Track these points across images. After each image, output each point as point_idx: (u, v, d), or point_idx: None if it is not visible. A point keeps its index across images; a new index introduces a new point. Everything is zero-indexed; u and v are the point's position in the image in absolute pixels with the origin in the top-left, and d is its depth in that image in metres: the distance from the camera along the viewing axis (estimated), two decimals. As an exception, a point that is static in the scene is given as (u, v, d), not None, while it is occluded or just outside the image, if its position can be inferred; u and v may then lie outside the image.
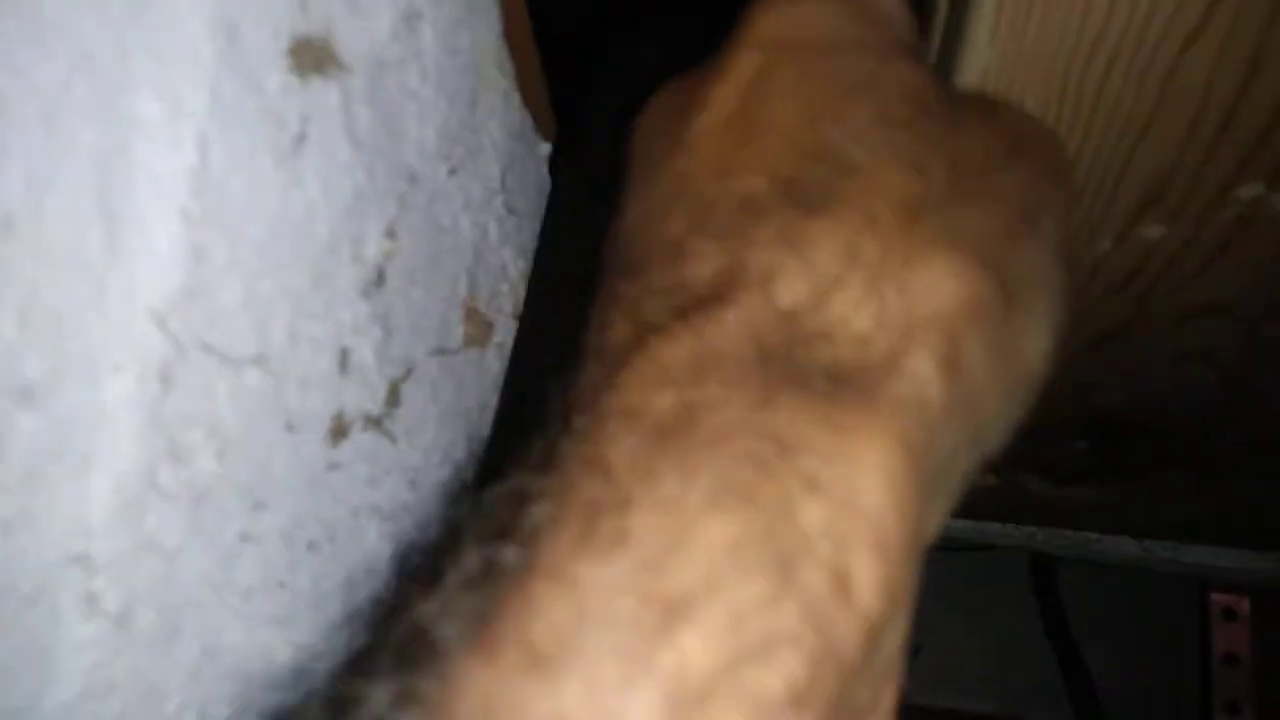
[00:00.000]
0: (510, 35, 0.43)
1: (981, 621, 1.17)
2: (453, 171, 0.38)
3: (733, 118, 0.30)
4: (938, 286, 0.25)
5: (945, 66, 0.44)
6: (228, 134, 0.23)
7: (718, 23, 0.57)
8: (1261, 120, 0.41)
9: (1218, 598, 0.83)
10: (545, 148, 0.50)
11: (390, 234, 0.33)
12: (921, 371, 0.24)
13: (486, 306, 0.44)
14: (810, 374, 0.23)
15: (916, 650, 1.34)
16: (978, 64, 0.41)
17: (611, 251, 0.29)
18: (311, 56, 0.28)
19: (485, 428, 0.46)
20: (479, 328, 0.44)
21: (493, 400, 0.46)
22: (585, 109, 0.53)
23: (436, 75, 0.36)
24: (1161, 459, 0.66)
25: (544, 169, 0.50)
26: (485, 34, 0.40)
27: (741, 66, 0.32)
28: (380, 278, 0.32)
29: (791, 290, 0.25)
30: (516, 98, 0.44)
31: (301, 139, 0.27)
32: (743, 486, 0.20)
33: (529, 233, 0.50)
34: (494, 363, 0.46)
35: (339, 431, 0.31)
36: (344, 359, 0.31)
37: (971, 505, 0.82)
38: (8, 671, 0.18)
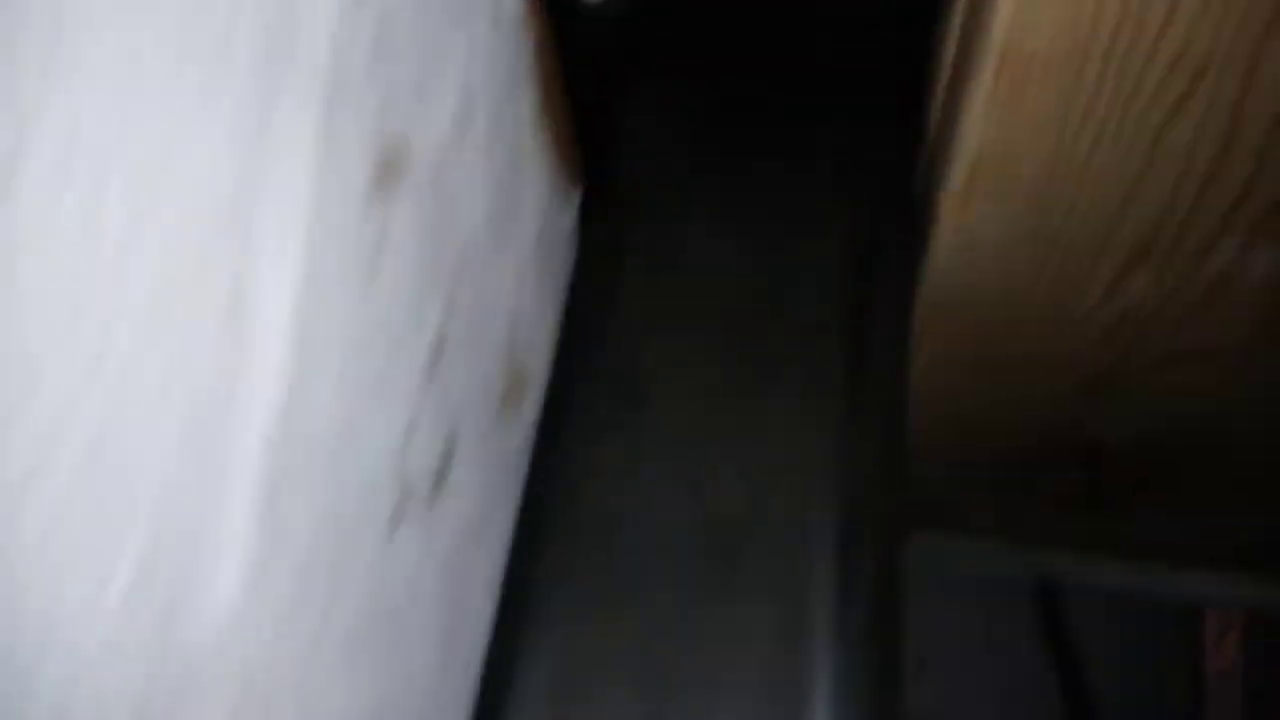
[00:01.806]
0: (547, 101, 0.46)
1: (984, 639, 1.20)
2: (496, 238, 0.41)
3: None
4: None
5: (945, 136, 0.47)
6: (325, 252, 0.26)
7: (730, 77, 0.61)
8: (1239, 183, 0.44)
9: (1211, 619, 0.87)
10: (575, 196, 0.53)
11: (447, 311, 0.36)
12: None
13: (524, 359, 0.47)
14: None
15: (922, 664, 1.36)
16: (976, 133, 0.45)
17: None
18: (391, 166, 0.31)
19: (524, 468, 0.49)
20: (518, 380, 0.47)
21: (530, 440, 0.50)
22: (612, 155, 0.57)
23: (486, 152, 0.39)
24: (1148, 486, 0.69)
25: (573, 217, 0.54)
26: (526, 105, 0.43)
27: None
28: (437, 354, 0.35)
29: None
30: (551, 155, 0.47)
31: (380, 245, 0.30)
32: None
33: (561, 281, 0.53)
34: (530, 410, 0.49)
35: (401, 507, 0.34)
36: (409, 433, 0.34)
37: (973, 531, 0.85)
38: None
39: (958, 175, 0.46)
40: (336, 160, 0.28)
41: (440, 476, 0.41)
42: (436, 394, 0.38)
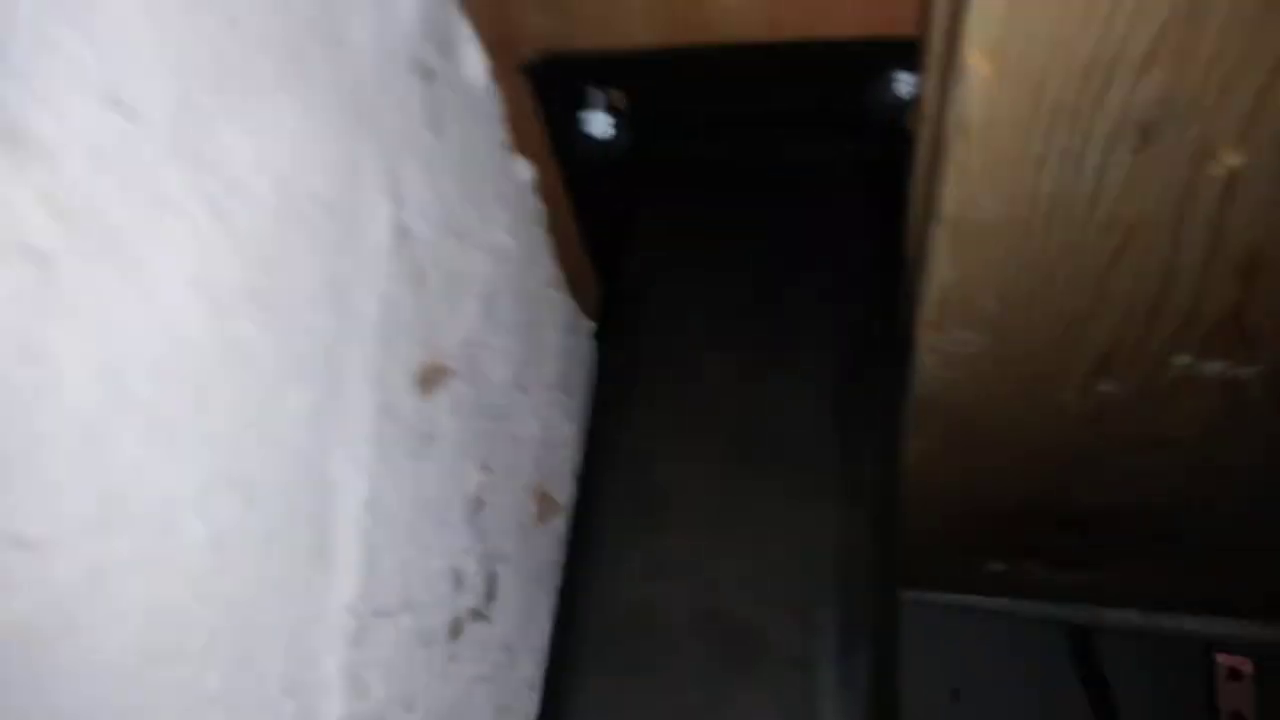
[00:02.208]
0: (562, 250, 0.52)
1: (1016, 671, 1.24)
2: (522, 389, 0.47)
3: None
4: None
5: (918, 277, 0.53)
6: (386, 459, 0.33)
7: (730, 207, 0.67)
8: (1183, 313, 0.49)
9: (1222, 659, 0.90)
10: (590, 325, 0.59)
11: (485, 468, 0.41)
12: None
13: (552, 484, 0.53)
14: None
15: (955, 694, 1.40)
16: (940, 279, 0.50)
17: None
18: (431, 371, 0.37)
19: (558, 577, 0.56)
20: (548, 504, 0.53)
21: (564, 557, 0.56)
22: (623, 288, 0.62)
23: (511, 324, 0.45)
24: (1130, 549, 0.74)
25: (590, 345, 0.59)
26: (544, 262, 0.49)
27: None
28: (479, 504, 0.41)
29: None
30: (567, 295, 0.53)
31: (428, 434, 0.36)
32: None
33: (581, 403, 0.59)
34: (562, 527, 0.55)
35: (455, 631, 0.40)
36: (457, 578, 0.40)
37: (993, 587, 0.90)
38: None
39: (929, 309, 0.52)
40: (389, 388, 0.34)
41: (489, 598, 0.47)
42: (478, 536, 0.44)
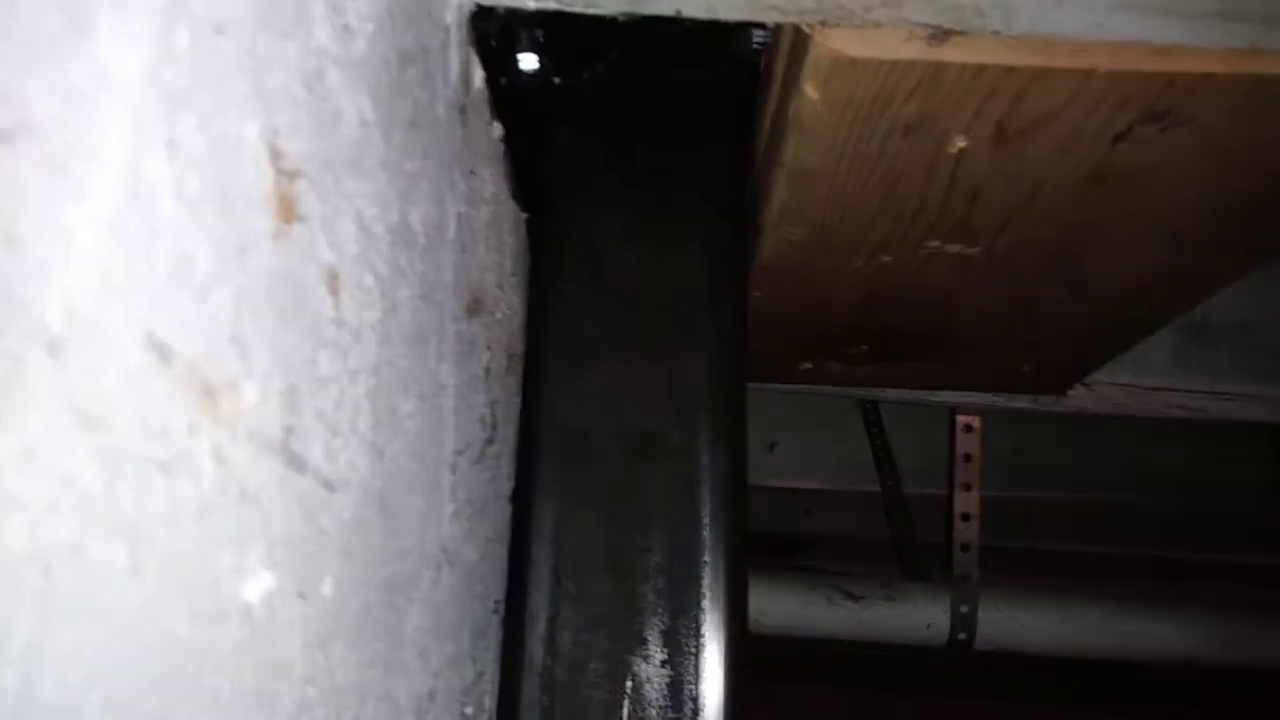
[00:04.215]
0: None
1: (819, 430, 1.60)
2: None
3: None
4: None
5: (759, 194, 0.75)
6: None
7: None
8: (932, 220, 0.75)
9: (961, 418, 1.26)
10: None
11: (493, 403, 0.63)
12: None
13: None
14: None
15: (771, 447, 1.77)
16: (779, 200, 0.73)
17: None
18: (475, 305, 0.56)
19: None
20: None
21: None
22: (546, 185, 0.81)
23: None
24: (902, 353, 1.04)
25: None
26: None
27: None
28: (492, 435, 0.62)
29: None
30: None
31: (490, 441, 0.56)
32: None
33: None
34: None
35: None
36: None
37: (803, 378, 1.20)
38: None
39: (769, 214, 0.75)
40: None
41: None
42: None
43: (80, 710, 0.23)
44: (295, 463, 0.34)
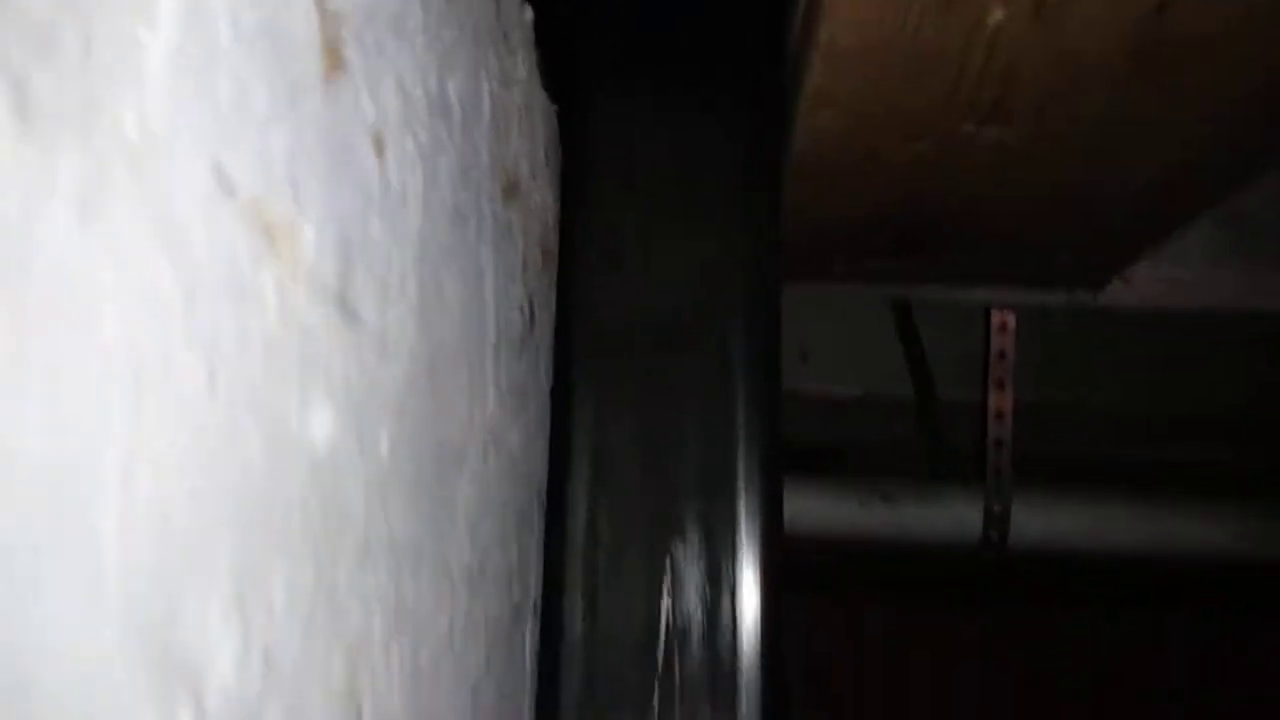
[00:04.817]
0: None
1: (852, 339, 1.60)
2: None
3: None
4: None
5: (795, 78, 0.74)
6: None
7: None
8: (968, 100, 0.73)
9: (995, 315, 1.26)
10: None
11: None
12: None
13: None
14: None
15: (804, 356, 1.77)
16: (814, 83, 0.72)
17: None
18: (510, 188, 0.57)
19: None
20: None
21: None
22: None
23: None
24: (936, 244, 1.04)
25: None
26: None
27: None
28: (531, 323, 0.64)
29: None
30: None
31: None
32: None
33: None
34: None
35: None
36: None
37: (836, 275, 1.19)
38: None
39: (804, 101, 0.74)
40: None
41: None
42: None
43: (169, 522, 0.25)
44: (350, 314, 0.35)
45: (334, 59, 0.32)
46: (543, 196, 0.78)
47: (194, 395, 0.25)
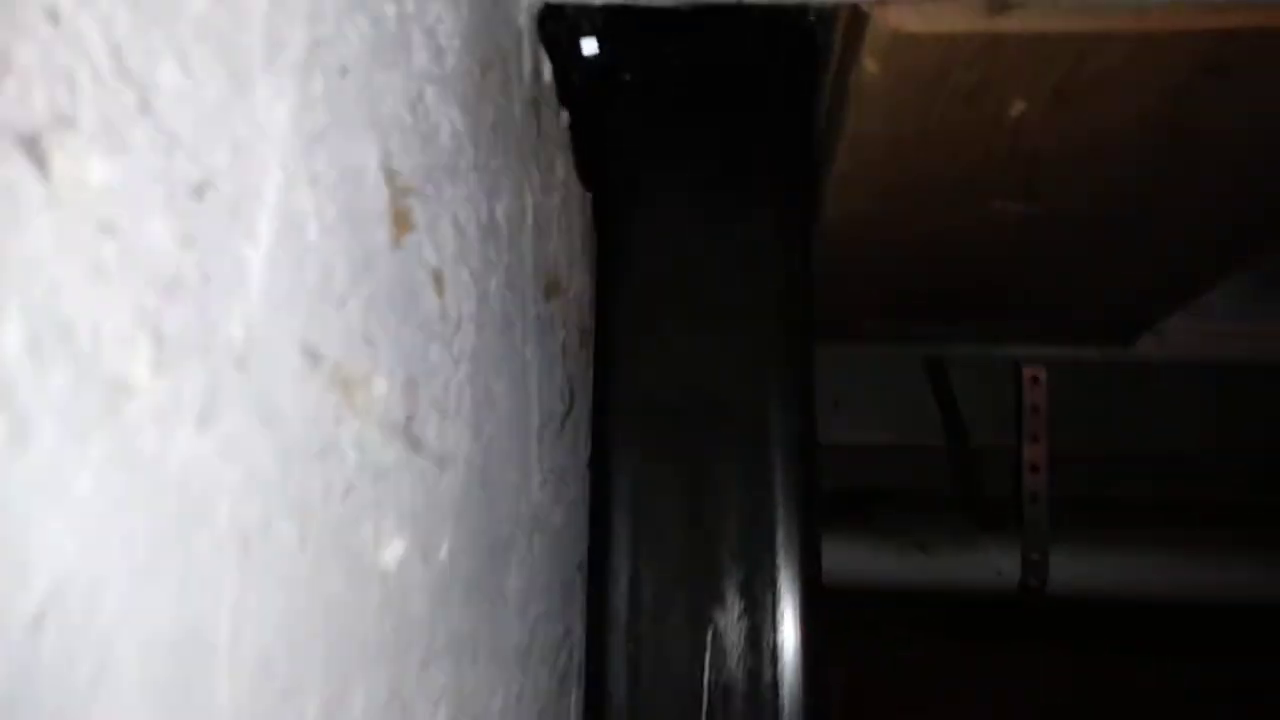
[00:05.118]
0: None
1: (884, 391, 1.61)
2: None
3: None
4: None
5: (823, 159, 0.77)
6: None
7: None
8: (997, 181, 0.76)
9: (1026, 369, 1.27)
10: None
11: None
12: None
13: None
14: None
15: (836, 404, 1.78)
16: (839, 169, 0.74)
17: None
18: (551, 286, 0.60)
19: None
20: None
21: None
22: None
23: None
24: (969, 307, 1.06)
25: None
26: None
27: None
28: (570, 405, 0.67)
29: None
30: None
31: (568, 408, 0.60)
32: None
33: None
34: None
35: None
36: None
37: (869, 336, 1.21)
38: None
39: (831, 181, 0.77)
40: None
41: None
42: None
43: (270, 655, 0.28)
44: (415, 444, 0.38)
45: (402, 221, 0.35)
46: (580, 281, 0.82)
47: (289, 553, 0.28)
